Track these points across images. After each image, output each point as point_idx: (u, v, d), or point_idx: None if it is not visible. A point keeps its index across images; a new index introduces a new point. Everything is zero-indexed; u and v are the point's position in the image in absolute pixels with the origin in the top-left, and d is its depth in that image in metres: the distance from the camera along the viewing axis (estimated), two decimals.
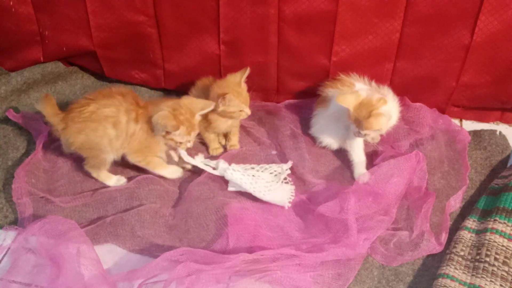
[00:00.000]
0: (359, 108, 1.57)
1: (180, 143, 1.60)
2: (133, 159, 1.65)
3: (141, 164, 1.66)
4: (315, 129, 1.81)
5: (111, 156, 1.63)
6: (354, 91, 1.64)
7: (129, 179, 1.69)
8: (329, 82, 1.76)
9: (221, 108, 1.63)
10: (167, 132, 1.56)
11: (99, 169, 1.65)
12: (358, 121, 1.58)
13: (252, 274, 1.40)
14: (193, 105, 1.60)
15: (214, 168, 1.67)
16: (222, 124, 1.71)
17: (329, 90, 1.74)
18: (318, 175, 1.71)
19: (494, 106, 1.88)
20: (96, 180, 1.68)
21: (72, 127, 1.57)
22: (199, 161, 1.68)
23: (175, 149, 1.68)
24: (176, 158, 1.72)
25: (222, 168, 1.65)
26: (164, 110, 1.55)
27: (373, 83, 1.71)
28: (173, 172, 1.70)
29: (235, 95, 1.62)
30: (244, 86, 1.67)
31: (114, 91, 1.61)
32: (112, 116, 1.56)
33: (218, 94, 1.62)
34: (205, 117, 1.70)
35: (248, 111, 1.67)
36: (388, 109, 1.59)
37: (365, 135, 1.61)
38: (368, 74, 1.74)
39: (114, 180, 1.68)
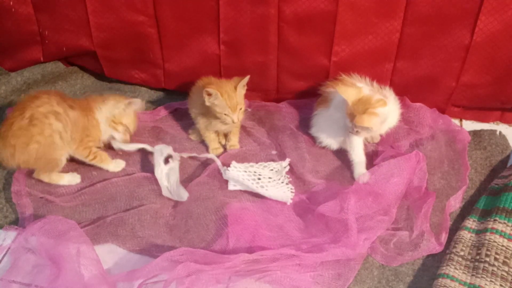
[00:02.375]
0: (357, 103, 1.58)
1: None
2: (81, 153, 1.66)
3: (89, 159, 1.67)
4: (315, 129, 1.81)
5: (65, 153, 1.63)
6: (357, 87, 1.65)
7: (128, 175, 1.69)
8: (330, 82, 1.76)
9: (206, 102, 1.64)
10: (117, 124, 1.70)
11: (51, 172, 1.64)
12: (352, 115, 1.58)
13: (252, 274, 1.40)
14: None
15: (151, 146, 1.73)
16: (219, 123, 1.71)
17: (330, 90, 1.73)
18: (318, 175, 1.71)
19: (494, 106, 1.88)
20: (91, 177, 1.69)
21: (19, 144, 1.56)
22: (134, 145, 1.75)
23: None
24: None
25: (155, 149, 1.69)
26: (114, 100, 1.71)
27: (375, 84, 1.71)
28: (117, 166, 1.72)
29: (224, 97, 1.61)
30: (240, 93, 1.64)
31: (37, 93, 1.64)
32: (49, 111, 1.58)
33: (204, 85, 1.66)
34: (206, 114, 1.70)
35: (234, 118, 1.64)
36: (386, 112, 1.59)
37: (357, 132, 1.61)
38: (368, 74, 1.74)
39: (67, 179, 1.66)
